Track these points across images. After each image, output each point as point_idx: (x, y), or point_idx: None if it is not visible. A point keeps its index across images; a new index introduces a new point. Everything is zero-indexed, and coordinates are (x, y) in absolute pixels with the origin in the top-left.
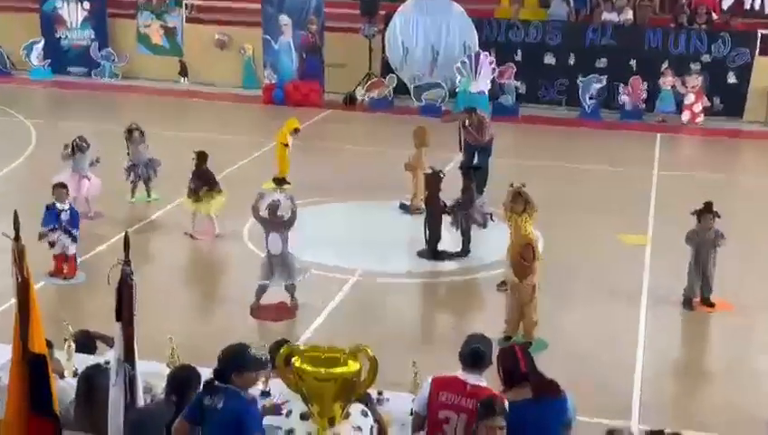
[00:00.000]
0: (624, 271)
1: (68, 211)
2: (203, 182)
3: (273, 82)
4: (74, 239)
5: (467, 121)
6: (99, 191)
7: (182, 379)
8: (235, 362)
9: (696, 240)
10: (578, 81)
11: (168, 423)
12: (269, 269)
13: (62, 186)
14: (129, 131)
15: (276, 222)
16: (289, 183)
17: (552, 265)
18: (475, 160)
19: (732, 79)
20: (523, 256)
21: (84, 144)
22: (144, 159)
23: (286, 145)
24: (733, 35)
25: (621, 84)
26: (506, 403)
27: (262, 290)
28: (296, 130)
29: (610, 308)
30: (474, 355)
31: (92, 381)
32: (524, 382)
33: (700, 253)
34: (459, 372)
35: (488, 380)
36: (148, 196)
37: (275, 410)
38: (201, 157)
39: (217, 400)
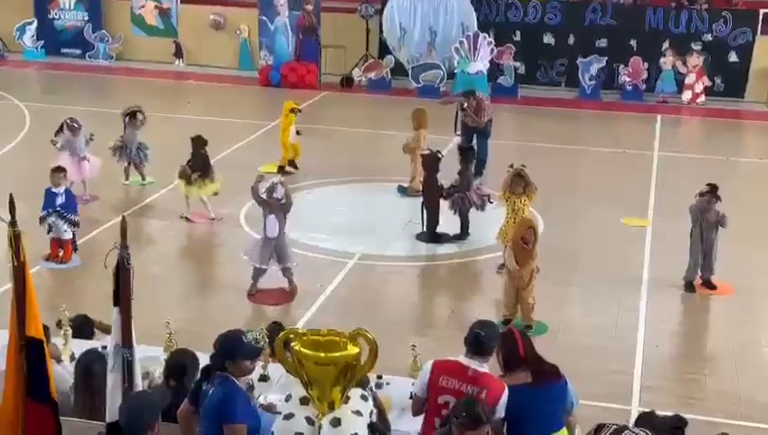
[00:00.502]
0: (625, 253)
1: (63, 195)
2: (196, 168)
3: (270, 63)
4: (71, 223)
5: (465, 104)
6: (98, 172)
7: (179, 364)
8: (229, 350)
9: (696, 214)
10: (578, 61)
11: (164, 409)
12: (265, 252)
13: (59, 169)
14: (134, 114)
15: (274, 204)
16: (285, 171)
17: (551, 247)
18: (474, 142)
19: (733, 58)
20: (524, 240)
21: (75, 125)
22: (135, 142)
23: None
24: (734, 14)
25: (622, 65)
26: (506, 390)
27: (258, 273)
28: (293, 111)
29: (611, 291)
30: (477, 341)
31: (91, 367)
32: (523, 367)
33: (702, 230)
34: (461, 357)
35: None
36: (143, 179)
37: (270, 408)
38: (196, 142)
39: (210, 386)
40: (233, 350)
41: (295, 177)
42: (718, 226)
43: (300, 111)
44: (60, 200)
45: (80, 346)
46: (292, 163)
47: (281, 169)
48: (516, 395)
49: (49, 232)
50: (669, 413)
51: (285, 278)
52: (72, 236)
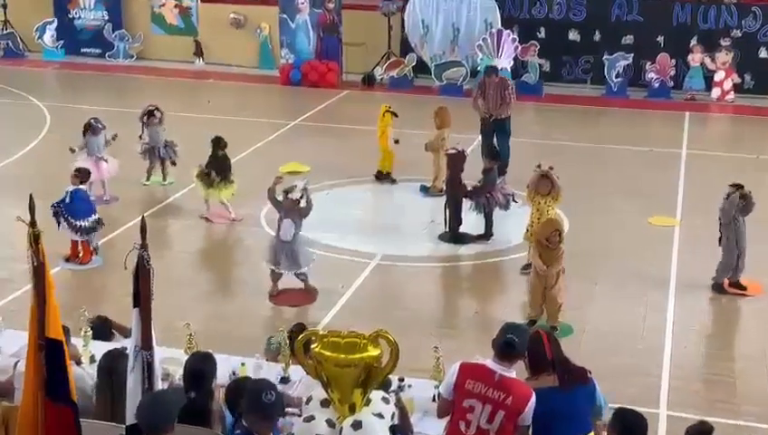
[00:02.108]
0: (652, 254)
1: (68, 195)
2: (218, 170)
3: (290, 62)
4: (73, 228)
5: (487, 82)
6: (116, 172)
7: (196, 372)
8: (245, 401)
9: (729, 215)
10: (603, 58)
11: (183, 410)
12: (275, 254)
13: (76, 171)
14: (150, 113)
15: (291, 207)
16: (383, 179)
17: (577, 247)
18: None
19: (763, 54)
20: (548, 241)
21: (99, 125)
22: (161, 141)
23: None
24: (764, 9)
25: (648, 61)
26: (533, 397)
27: (276, 276)
28: (389, 112)
29: (638, 291)
30: (507, 346)
31: (115, 366)
32: (550, 370)
33: (737, 232)
34: (489, 361)
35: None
36: (164, 179)
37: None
38: (217, 142)
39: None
40: (246, 403)
41: (314, 176)
42: (744, 214)
43: (396, 114)
44: (66, 200)
45: (100, 348)
46: (387, 175)
47: (379, 176)
48: (543, 399)
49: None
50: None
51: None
52: (84, 239)
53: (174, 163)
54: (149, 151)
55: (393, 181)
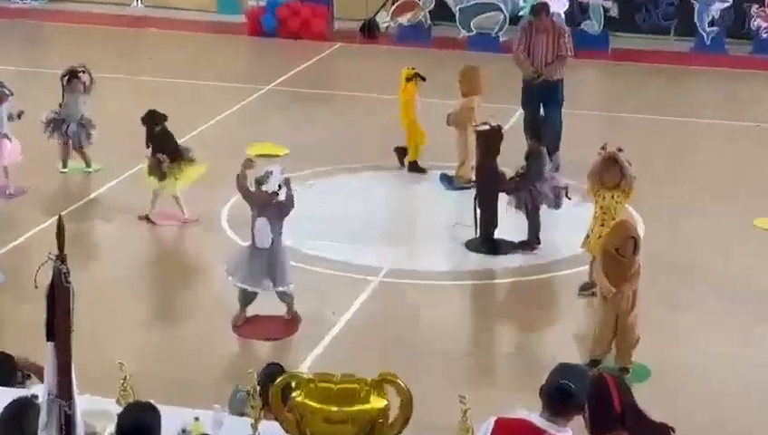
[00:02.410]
0: (759, 268)
1: None
2: (163, 152)
3: (262, 4)
4: None
5: (534, 27)
6: (19, 158)
7: (134, 429)
8: None
9: None
10: (693, 0)
11: None
12: (254, 268)
13: None
14: (73, 74)
15: (266, 202)
16: (418, 167)
17: (654, 258)
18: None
19: None
20: (620, 251)
21: (6, 90)
22: (78, 115)
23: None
24: None
25: (755, 5)
26: None
27: (247, 298)
28: (413, 78)
29: (739, 320)
30: (561, 394)
31: (22, 422)
32: (619, 427)
33: None
34: (535, 416)
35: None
36: (87, 165)
37: None
38: (151, 119)
39: None
40: None
41: (294, 161)
42: None
43: (423, 78)
44: None
45: (1, 396)
46: (414, 163)
47: (401, 153)
48: None
49: None
50: None
51: (283, 304)
52: None
53: (81, 147)
54: (54, 124)
55: (423, 171)
